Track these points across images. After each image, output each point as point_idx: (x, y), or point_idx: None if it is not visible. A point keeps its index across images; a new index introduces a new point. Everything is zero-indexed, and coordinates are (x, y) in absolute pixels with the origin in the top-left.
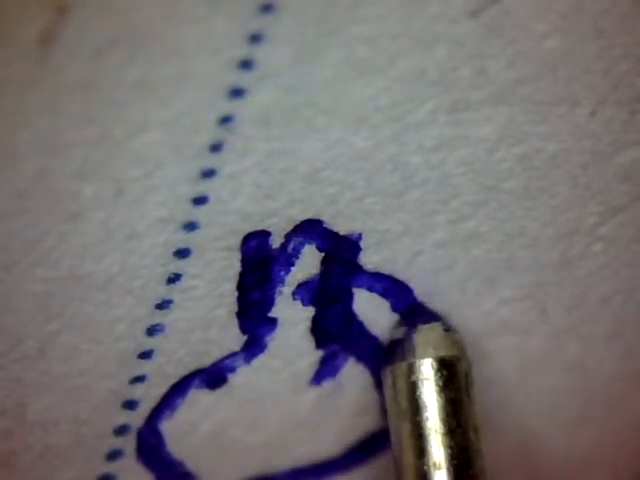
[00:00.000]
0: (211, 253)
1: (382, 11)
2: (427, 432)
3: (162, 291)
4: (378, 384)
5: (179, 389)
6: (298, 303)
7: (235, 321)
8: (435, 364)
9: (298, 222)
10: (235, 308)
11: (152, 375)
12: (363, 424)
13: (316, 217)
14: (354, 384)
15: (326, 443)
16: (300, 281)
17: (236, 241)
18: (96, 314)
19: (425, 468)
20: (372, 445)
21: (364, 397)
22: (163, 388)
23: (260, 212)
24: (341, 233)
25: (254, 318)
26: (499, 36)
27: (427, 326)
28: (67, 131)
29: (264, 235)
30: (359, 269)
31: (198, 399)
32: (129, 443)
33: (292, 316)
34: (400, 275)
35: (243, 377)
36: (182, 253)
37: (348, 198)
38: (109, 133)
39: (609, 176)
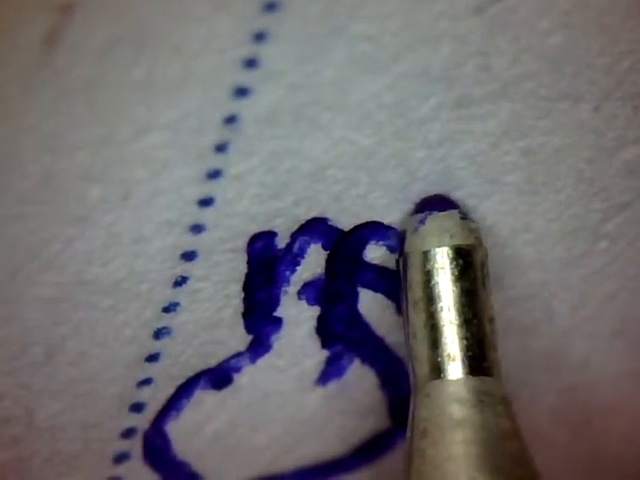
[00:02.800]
0: (217, 255)
1: (386, 8)
2: (442, 323)
3: (169, 294)
4: (384, 385)
5: (185, 390)
6: (303, 303)
7: (241, 321)
8: (451, 253)
9: (304, 222)
10: (241, 309)
11: (159, 378)
12: (369, 425)
13: (321, 216)
14: (360, 385)
15: (332, 443)
16: (305, 280)
17: (242, 242)
18: (103, 319)
19: (439, 359)
20: (378, 445)
21: (370, 398)
22: (169, 390)
23: (266, 212)
24: (346, 230)
25: (260, 318)
26: (503, 33)
27: (443, 214)
28: (72, 132)
29: (270, 236)
30: (364, 265)
31: (204, 400)
32: (136, 445)
33: (297, 316)
34: None
35: (249, 377)
36: (188, 256)
37: (353, 195)
38: (114, 134)
39: (613, 172)
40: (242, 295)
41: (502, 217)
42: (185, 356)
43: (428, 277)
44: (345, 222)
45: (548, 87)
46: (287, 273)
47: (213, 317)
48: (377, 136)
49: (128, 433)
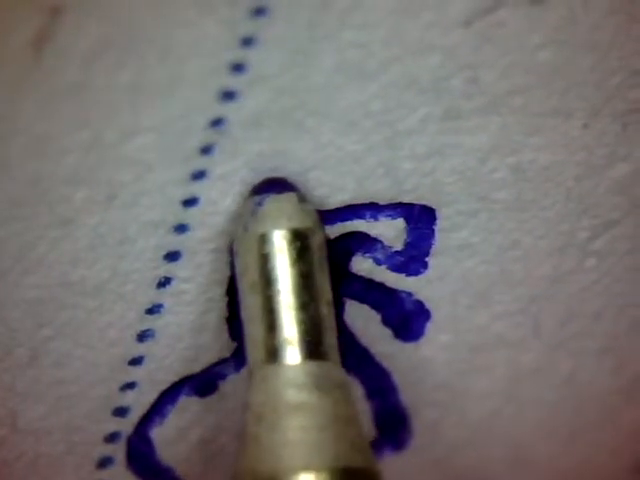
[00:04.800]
0: (201, 255)
1: (375, 17)
2: (279, 306)
3: (152, 295)
4: (369, 395)
5: (169, 396)
6: None
7: (225, 326)
8: (288, 235)
9: None
10: (225, 313)
11: (142, 382)
12: None
13: None
14: None
15: None
16: None
17: (226, 243)
18: (87, 320)
19: (276, 343)
20: None
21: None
22: (153, 395)
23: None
24: (331, 237)
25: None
26: (492, 46)
27: (281, 196)
28: (60, 136)
29: None
30: (350, 276)
31: (188, 406)
32: (119, 450)
33: None
34: (391, 284)
35: (233, 385)
36: (172, 256)
37: (338, 200)
38: (101, 137)
39: (602, 189)
40: (226, 299)
41: (490, 234)
42: (169, 360)
43: (265, 260)
44: (330, 229)
45: (537, 103)
46: None
47: (197, 321)
48: (364, 144)
49: (112, 437)
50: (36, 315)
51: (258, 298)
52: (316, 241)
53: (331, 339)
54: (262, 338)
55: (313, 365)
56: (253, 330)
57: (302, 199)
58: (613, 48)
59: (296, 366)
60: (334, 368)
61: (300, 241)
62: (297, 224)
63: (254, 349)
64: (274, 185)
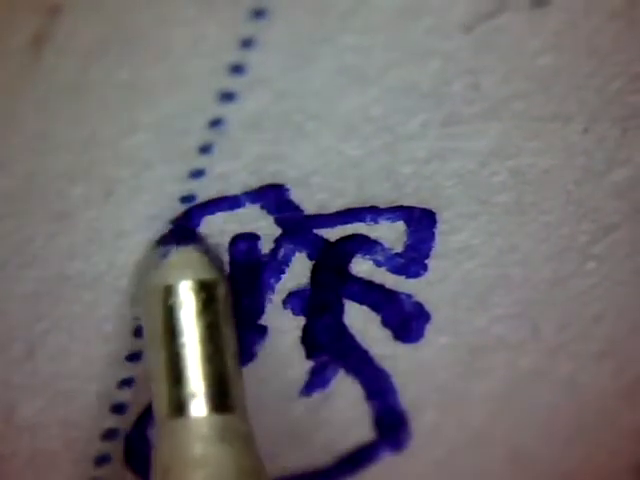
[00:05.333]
0: None
1: (375, 22)
2: (184, 359)
3: None
4: (368, 396)
5: None
6: (289, 312)
7: None
8: (194, 286)
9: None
10: None
11: (140, 378)
12: (353, 436)
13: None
14: (344, 396)
15: (315, 454)
16: (290, 290)
17: (224, 241)
18: (84, 314)
19: (181, 397)
20: (362, 457)
21: (354, 409)
22: (151, 392)
23: (248, 213)
24: (331, 240)
25: (243, 325)
26: (493, 51)
27: (186, 247)
28: (57, 132)
29: (253, 238)
30: (350, 278)
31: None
32: (117, 448)
33: (282, 325)
34: (391, 286)
35: None
36: None
37: (338, 204)
38: (98, 134)
39: (602, 194)
40: None
41: (490, 237)
42: None
43: (170, 312)
44: (330, 232)
45: (537, 107)
46: (272, 281)
47: None
48: (364, 148)
49: (109, 434)
50: (32, 309)
51: (163, 351)
52: (222, 292)
53: (237, 391)
54: (168, 391)
55: (219, 418)
56: (159, 383)
57: (207, 250)
58: (613, 53)
59: (202, 419)
60: (239, 420)
61: (206, 292)
62: (202, 275)
63: (160, 403)
64: (179, 236)
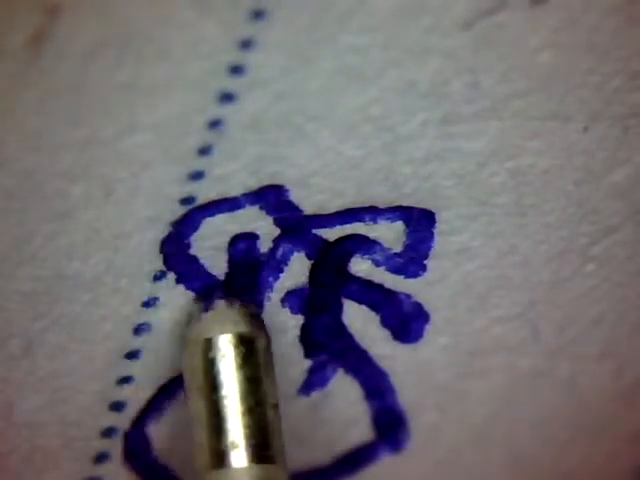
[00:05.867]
0: (198, 251)
1: (374, 21)
2: (225, 410)
3: (148, 288)
4: (368, 396)
5: (166, 392)
6: (287, 311)
7: None
8: (234, 340)
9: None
10: None
11: (139, 376)
12: (352, 435)
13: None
14: (343, 395)
15: (314, 452)
16: (289, 289)
17: (223, 241)
18: (83, 313)
19: (222, 448)
20: (361, 457)
21: (353, 409)
22: (150, 390)
23: (247, 214)
24: (330, 240)
25: None
26: (492, 49)
27: (225, 301)
28: (56, 132)
29: (252, 238)
30: (349, 277)
31: (185, 404)
32: (116, 446)
33: (281, 323)
34: (390, 286)
35: None
36: None
37: (338, 205)
38: (98, 134)
39: (602, 195)
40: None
41: (490, 238)
42: (166, 355)
43: (211, 364)
44: (329, 232)
45: (537, 106)
46: (270, 279)
47: None
48: (363, 149)
49: (108, 432)
50: (31, 307)
51: (204, 402)
52: (261, 345)
53: (277, 442)
54: (208, 442)
55: (259, 469)
56: (200, 434)
57: (246, 304)
58: (613, 50)
59: (243, 470)
60: (279, 471)
61: (245, 346)
62: (242, 329)
63: (201, 453)
64: (218, 291)
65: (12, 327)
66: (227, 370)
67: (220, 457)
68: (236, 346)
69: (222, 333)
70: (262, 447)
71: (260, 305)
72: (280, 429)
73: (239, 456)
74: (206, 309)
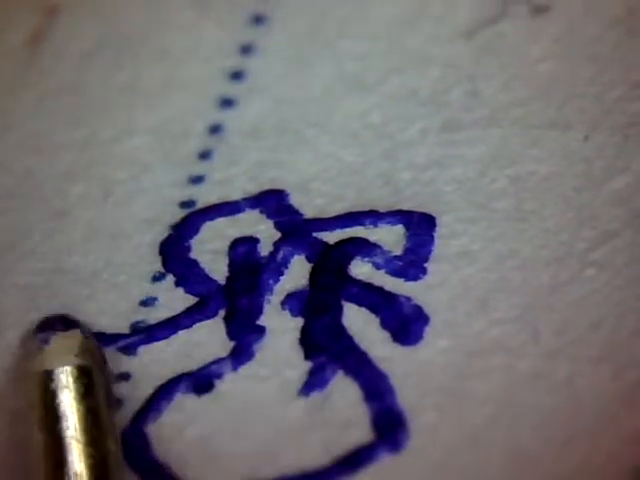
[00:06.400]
0: (198, 255)
1: (374, 28)
2: (67, 441)
3: (147, 288)
4: (367, 398)
5: (165, 392)
6: (287, 313)
7: (221, 325)
8: (75, 372)
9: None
10: (222, 313)
11: (137, 373)
12: (351, 437)
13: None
14: (343, 397)
15: (313, 454)
16: (289, 291)
17: (223, 245)
18: (80, 308)
19: (66, 479)
20: (359, 458)
21: (352, 410)
22: (148, 389)
23: (247, 218)
24: (331, 243)
25: (242, 325)
26: (492, 58)
27: (66, 333)
28: (55, 133)
29: (252, 242)
30: (349, 280)
31: (185, 403)
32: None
33: (281, 326)
34: (390, 289)
35: (230, 384)
36: None
37: (337, 210)
38: (96, 136)
39: (601, 201)
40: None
41: (489, 242)
42: (163, 354)
43: (52, 396)
44: (330, 235)
45: (537, 115)
46: (270, 282)
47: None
48: (363, 155)
49: None
50: (28, 300)
51: (46, 434)
52: (102, 376)
53: (119, 474)
54: (52, 474)
55: None
56: (43, 466)
57: (87, 335)
58: (613, 60)
59: None
60: None
61: (87, 377)
62: (83, 360)
63: None
64: (58, 322)
65: (8, 321)
66: (69, 401)
67: None
68: (77, 377)
69: (62, 365)
70: (104, 478)
71: (260, 308)
72: (122, 461)
73: None
74: (47, 341)
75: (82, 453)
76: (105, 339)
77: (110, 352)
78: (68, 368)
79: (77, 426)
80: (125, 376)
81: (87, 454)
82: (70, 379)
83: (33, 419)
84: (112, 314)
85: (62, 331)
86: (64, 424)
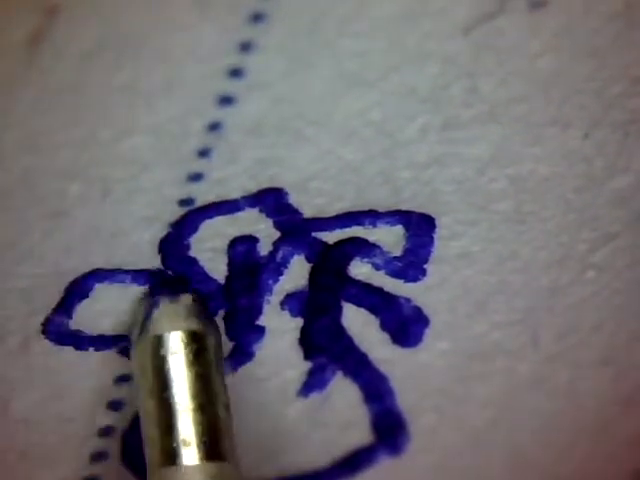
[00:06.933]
0: (197, 253)
1: (374, 26)
2: (175, 408)
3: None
4: (366, 399)
5: None
6: (286, 313)
7: (220, 325)
8: (185, 337)
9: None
10: (221, 313)
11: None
12: (350, 438)
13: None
14: (342, 398)
15: (312, 455)
16: (288, 291)
17: (222, 243)
18: (80, 309)
19: (174, 445)
20: (359, 460)
21: (352, 412)
22: None
23: (247, 217)
24: (330, 243)
25: (241, 325)
26: (492, 54)
27: (176, 297)
28: (54, 132)
29: (252, 241)
30: (348, 280)
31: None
32: (114, 445)
33: (280, 326)
34: (390, 290)
35: (229, 384)
36: None
37: (337, 209)
38: (96, 135)
39: (602, 202)
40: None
41: (489, 244)
42: None
43: (161, 362)
44: (329, 235)
45: (537, 112)
46: (270, 282)
47: None
48: (363, 153)
49: (106, 431)
50: (28, 303)
51: (155, 400)
52: (212, 342)
53: (229, 441)
54: (159, 440)
55: (211, 466)
56: (150, 432)
57: (197, 300)
58: (613, 56)
59: (194, 467)
60: (232, 469)
61: (196, 343)
62: (193, 326)
63: (152, 451)
64: (169, 286)
65: (9, 324)
66: (178, 367)
67: (171, 455)
68: (187, 343)
69: (172, 330)
70: (213, 445)
71: (260, 308)
72: (232, 427)
73: (190, 454)
74: (156, 305)
75: (191, 419)
76: (105, 340)
77: (110, 354)
78: (178, 333)
79: (185, 392)
80: (125, 378)
81: (196, 420)
82: (180, 344)
83: (144, 384)
84: (112, 314)
85: (172, 294)
86: (173, 390)
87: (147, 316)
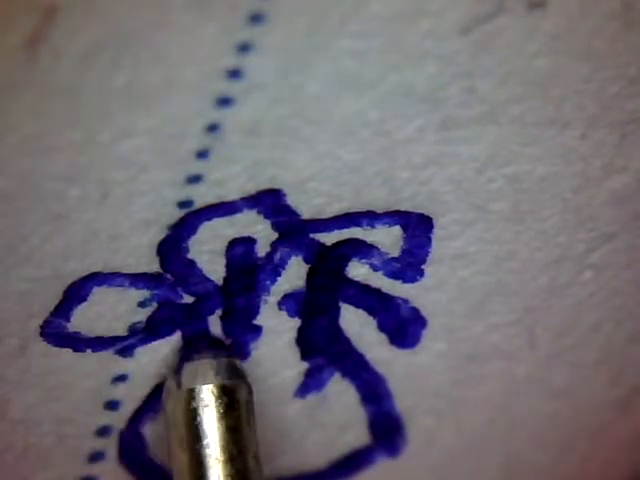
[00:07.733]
0: (196, 255)
1: (372, 26)
2: (206, 460)
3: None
4: (364, 400)
5: (161, 392)
6: (284, 313)
7: (217, 323)
8: (216, 390)
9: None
10: (219, 312)
11: (134, 374)
12: (348, 439)
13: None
14: (340, 399)
15: (310, 456)
16: (286, 292)
17: (220, 245)
18: (77, 310)
19: None
20: (356, 461)
21: (349, 413)
22: (145, 389)
23: (245, 218)
24: (328, 244)
25: (238, 324)
26: (490, 54)
27: (209, 351)
28: (53, 134)
29: (250, 242)
30: (346, 281)
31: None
32: (111, 445)
33: (277, 326)
34: (388, 291)
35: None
36: None
37: (335, 209)
38: (95, 137)
39: (599, 202)
40: (221, 297)
41: (487, 244)
42: (161, 353)
43: (193, 414)
44: (327, 236)
45: (534, 112)
46: (267, 282)
47: None
48: (361, 153)
49: (103, 431)
50: (27, 306)
51: (186, 452)
52: (242, 396)
53: None
54: None
55: None
56: None
57: (229, 354)
58: (611, 56)
59: None
60: None
61: (227, 396)
62: (224, 379)
63: None
64: (202, 340)
65: (8, 326)
66: (209, 420)
67: None
68: (218, 396)
69: (205, 384)
70: None
71: (257, 308)
72: (262, 477)
73: None
74: (189, 359)
75: (222, 471)
76: (102, 342)
77: (108, 355)
78: (209, 386)
79: (217, 444)
80: (122, 378)
81: (227, 472)
82: (211, 397)
83: (176, 435)
84: (110, 318)
85: (205, 350)
86: (204, 442)
87: (180, 368)
